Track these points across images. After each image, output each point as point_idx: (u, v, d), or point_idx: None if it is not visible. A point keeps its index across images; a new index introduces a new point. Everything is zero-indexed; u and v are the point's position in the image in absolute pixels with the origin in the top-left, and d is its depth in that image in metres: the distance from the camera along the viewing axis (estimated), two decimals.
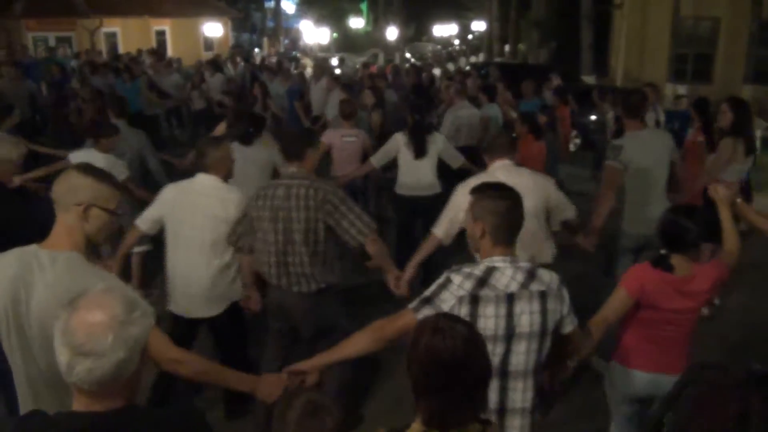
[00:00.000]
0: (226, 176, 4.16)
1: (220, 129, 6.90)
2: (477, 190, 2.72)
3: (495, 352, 2.50)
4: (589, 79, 19.47)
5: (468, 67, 19.80)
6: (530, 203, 3.39)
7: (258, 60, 23.55)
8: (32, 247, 2.42)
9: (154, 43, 28.87)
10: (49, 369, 2.25)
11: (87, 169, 2.49)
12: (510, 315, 2.52)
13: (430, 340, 1.87)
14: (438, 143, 6.41)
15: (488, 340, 2.36)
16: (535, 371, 2.61)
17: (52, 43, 26.46)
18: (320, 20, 45.57)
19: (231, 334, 4.34)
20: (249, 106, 10.49)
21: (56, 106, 12.40)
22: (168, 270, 4.21)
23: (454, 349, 1.84)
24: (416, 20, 51.96)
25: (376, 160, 6.47)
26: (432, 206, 5.71)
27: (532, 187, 4.06)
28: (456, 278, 2.54)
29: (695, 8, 19.11)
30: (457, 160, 6.46)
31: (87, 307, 1.68)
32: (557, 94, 9.77)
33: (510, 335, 2.53)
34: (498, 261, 2.58)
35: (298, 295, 3.89)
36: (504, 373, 2.56)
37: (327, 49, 42.41)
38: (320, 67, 14.32)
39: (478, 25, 42.83)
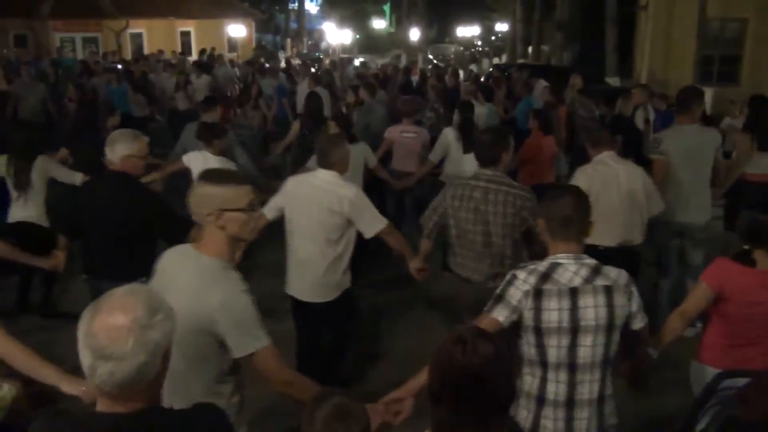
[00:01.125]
0: (344, 172, 4.33)
1: (294, 128, 7.59)
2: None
3: (561, 345, 2.62)
4: (613, 81, 19.32)
5: (491, 69, 19.74)
6: (635, 186, 4.73)
7: (283, 61, 23.66)
8: (187, 246, 2.61)
9: (179, 44, 29.16)
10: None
11: (208, 176, 2.55)
12: (574, 308, 2.61)
13: (450, 348, 1.83)
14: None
15: (552, 333, 2.59)
16: (603, 364, 2.67)
17: (78, 43, 26.82)
18: (343, 21, 45.65)
19: (339, 322, 4.57)
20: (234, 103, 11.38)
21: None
22: (288, 255, 4.40)
23: (470, 365, 1.78)
24: (439, 21, 51.93)
25: (434, 156, 6.98)
26: None
27: (632, 173, 4.83)
28: (521, 274, 2.69)
29: (722, 9, 18.85)
30: None
31: (109, 310, 1.68)
32: (553, 94, 10.12)
33: (575, 328, 2.62)
34: (562, 257, 2.70)
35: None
36: (572, 366, 2.64)
37: (350, 50, 42.47)
38: (306, 66, 14.56)
39: (502, 27, 42.70)
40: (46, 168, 5.73)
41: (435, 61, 31.09)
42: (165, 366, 1.77)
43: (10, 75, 13.54)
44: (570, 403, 2.67)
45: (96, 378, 1.65)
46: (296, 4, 48.44)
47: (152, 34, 29.24)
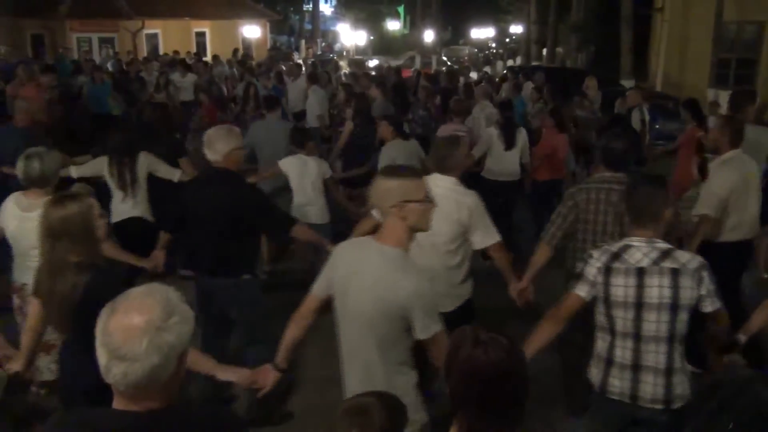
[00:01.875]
0: (458, 175, 4.14)
1: (348, 128, 7.84)
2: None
3: (627, 317, 2.94)
4: (628, 84, 19.22)
5: (505, 71, 19.71)
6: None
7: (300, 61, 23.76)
8: (367, 238, 2.80)
9: (194, 45, 29.32)
10: (351, 342, 2.72)
11: (389, 171, 2.76)
12: (640, 286, 2.91)
13: (471, 351, 1.83)
14: (523, 138, 7.44)
15: (619, 306, 2.94)
16: (669, 339, 2.92)
17: (95, 44, 27.03)
18: (357, 23, 45.75)
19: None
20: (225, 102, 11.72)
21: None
22: None
23: (496, 362, 1.81)
24: (453, 23, 51.91)
25: (477, 152, 7.30)
26: (512, 190, 7.52)
27: (756, 170, 5.02)
28: (596, 253, 3.04)
29: (739, 12, 18.72)
30: (526, 156, 7.48)
31: (125, 310, 1.68)
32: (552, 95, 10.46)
33: (639, 304, 2.91)
34: (635, 240, 2.99)
35: None
36: (636, 336, 2.94)
37: (364, 52, 42.53)
38: (296, 66, 14.88)
39: (516, 29, 42.60)
40: (148, 164, 5.66)
41: (449, 63, 31.05)
42: (181, 368, 1.76)
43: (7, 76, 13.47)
44: (636, 368, 2.96)
45: (110, 377, 1.66)
46: (311, 6, 48.57)
47: (167, 35, 29.41)
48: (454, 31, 53.54)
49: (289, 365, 2.99)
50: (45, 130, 6.95)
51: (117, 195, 5.60)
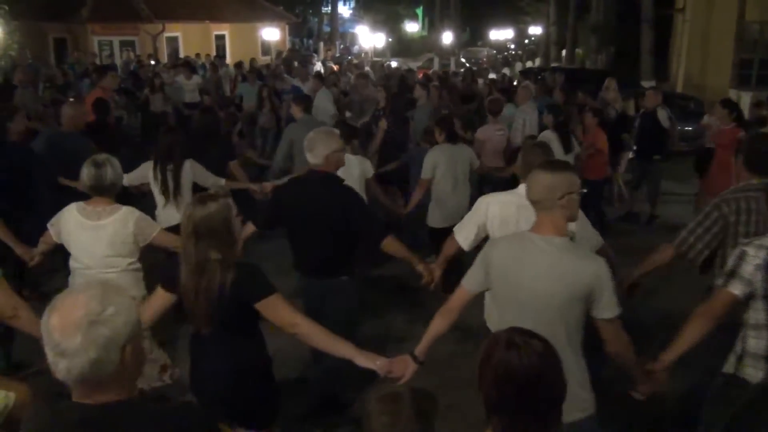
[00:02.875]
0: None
1: (382, 127, 8.00)
2: None
3: None
4: (648, 85, 19.05)
5: (520, 71, 19.63)
6: None
7: (319, 64, 23.81)
8: (525, 232, 2.91)
9: (213, 48, 29.50)
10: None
11: (550, 166, 2.89)
12: None
13: (504, 355, 1.83)
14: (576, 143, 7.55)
15: None
16: None
17: (116, 47, 27.29)
18: (376, 25, 45.78)
19: None
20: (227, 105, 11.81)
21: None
22: None
23: (530, 366, 1.81)
24: (472, 25, 51.78)
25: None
26: None
27: None
28: (750, 250, 2.96)
29: (761, 12, 18.50)
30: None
31: (61, 307, 1.70)
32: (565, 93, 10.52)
33: None
34: None
35: None
36: None
37: (382, 54, 42.56)
38: (303, 68, 15.42)
39: (535, 30, 42.39)
40: (194, 172, 5.62)
41: (467, 65, 30.97)
42: (129, 360, 1.75)
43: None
44: None
45: (58, 373, 1.69)
46: (329, 8, 48.71)
47: (188, 38, 29.63)
48: (472, 33, 53.38)
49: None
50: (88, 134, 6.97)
51: (159, 200, 5.55)
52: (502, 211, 3.85)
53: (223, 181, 5.83)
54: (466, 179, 6.62)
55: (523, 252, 2.82)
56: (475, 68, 22.00)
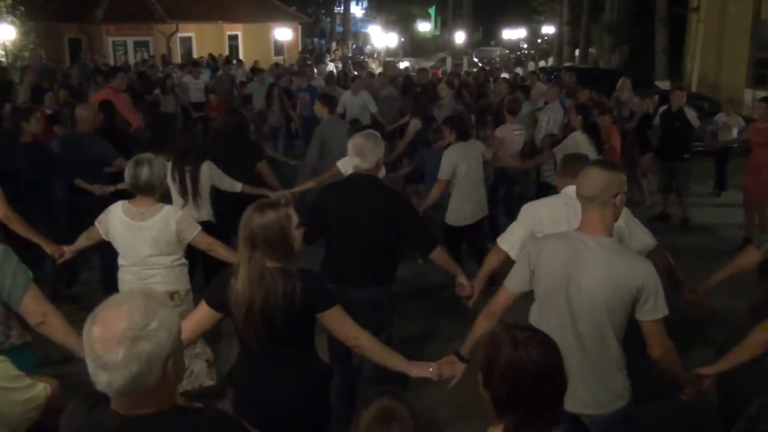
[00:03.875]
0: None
1: (413, 126, 8.14)
2: None
3: None
4: (662, 85, 18.96)
5: (534, 71, 19.57)
6: None
7: (331, 64, 23.88)
8: (572, 232, 2.90)
9: (226, 48, 29.61)
10: (585, 334, 2.79)
11: (606, 165, 2.92)
12: None
13: (512, 354, 1.85)
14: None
15: None
16: None
17: (130, 47, 27.46)
18: (388, 25, 45.77)
19: None
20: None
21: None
22: None
23: (539, 361, 1.84)
24: (484, 24, 51.67)
25: (558, 152, 6.82)
26: None
27: None
28: None
29: None
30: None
31: (103, 319, 1.67)
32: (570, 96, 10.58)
33: None
34: None
35: None
36: None
37: (395, 54, 42.55)
38: (310, 66, 15.50)
39: (548, 29, 42.26)
40: (211, 175, 5.57)
41: (480, 64, 30.91)
42: (170, 373, 1.74)
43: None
44: None
45: (98, 385, 1.67)
46: (342, 8, 48.77)
47: (201, 38, 29.74)
48: (485, 32, 53.27)
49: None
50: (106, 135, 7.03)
51: (178, 202, 5.47)
52: (550, 212, 3.87)
53: (239, 186, 5.73)
54: (482, 176, 6.66)
55: (572, 252, 2.81)
56: (487, 68, 21.97)
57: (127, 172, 4.09)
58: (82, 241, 4.48)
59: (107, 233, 4.22)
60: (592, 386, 2.83)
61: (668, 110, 9.39)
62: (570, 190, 3.75)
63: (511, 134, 8.07)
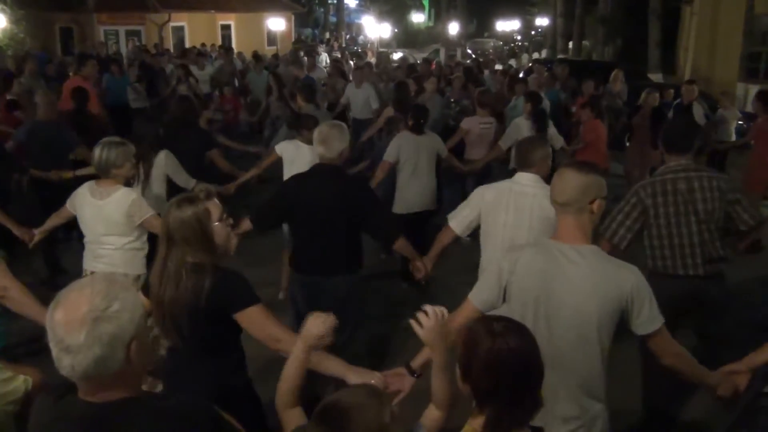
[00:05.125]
0: (545, 174, 4.00)
1: (386, 113, 8.08)
2: None
3: None
4: (655, 78, 18.99)
5: (530, 63, 19.58)
6: None
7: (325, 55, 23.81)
8: (549, 242, 2.65)
9: (219, 38, 29.46)
10: (561, 349, 2.51)
11: (582, 167, 2.66)
12: None
13: (492, 345, 1.86)
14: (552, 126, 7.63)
15: None
16: None
17: (122, 36, 27.30)
18: (382, 15, 45.61)
19: None
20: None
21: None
22: (485, 268, 3.98)
23: (518, 350, 1.86)
24: (478, 16, 51.56)
25: (504, 144, 7.43)
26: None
27: None
28: None
29: None
30: (559, 142, 7.61)
31: (65, 303, 1.67)
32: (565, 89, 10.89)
33: None
34: None
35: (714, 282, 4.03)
36: None
37: (388, 45, 42.44)
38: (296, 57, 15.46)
39: (542, 21, 42.22)
40: (166, 164, 5.51)
41: (474, 56, 30.87)
42: (134, 357, 1.72)
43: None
44: None
45: (62, 370, 1.66)
46: None
47: (193, 28, 29.59)
48: (479, 24, 53.19)
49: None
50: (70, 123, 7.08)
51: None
52: (495, 196, 3.92)
53: (193, 182, 5.56)
54: (430, 169, 6.59)
55: (550, 265, 2.57)
56: (481, 59, 21.94)
57: (93, 154, 4.26)
58: (53, 220, 4.66)
59: (74, 208, 4.38)
60: (565, 410, 2.58)
61: (680, 104, 9.42)
62: (520, 176, 3.93)
63: (477, 126, 7.96)
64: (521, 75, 15.28)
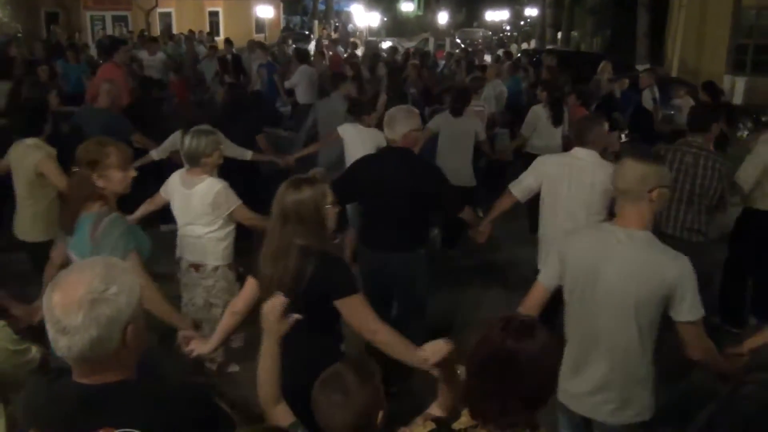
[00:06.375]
0: (603, 151, 4.42)
1: (382, 101, 8.12)
2: None
3: None
4: (643, 68, 19.05)
5: (519, 54, 19.60)
6: None
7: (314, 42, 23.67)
8: (605, 224, 2.89)
9: (207, 24, 29.24)
10: (603, 325, 2.72)
11: (643, 157, 2.82)
12: None
13: (500, 342, 1.82)
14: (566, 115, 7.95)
15: None
16: None
17: (108, 22, 27.02)
18: (371, 3, 45.41)
19: None
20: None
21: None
22: (542, 232, 4.52)
23: (529, 350, 1.79)
24: (468, 5, 51.48)
25: (526, 132, 7.84)
26: None
27: None
28: None
29: None
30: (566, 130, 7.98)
31: (63, 285, 1.69)
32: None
33: None
34: None
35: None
36: None
37: (377, 33, 42.29)
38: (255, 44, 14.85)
39: (531, 12, 42.23)
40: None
41: (462, 45, 30.80)
42: (130, 340, 1.74)
43: None
44: None
45: (58, 351, 1.68)
46: None
47: (181, 14, 29.34)
48: (468, 13, 53.06)
49: None
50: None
51: None
52: (555, 170, 4.33)
53: (249, 154, 6.08)
54: (466, 148, 7.00)
55: (600, 244, 2.74)
56: (470, 49, 21.93)
57: (182, 142, 4.30)
58: (146, 207, 4.59)
59: (167, 195, 4.40)
60: (609, 391, 2.77)
61: (636, 89, 10.10)
62: (578, 151, 4.30)
63: (470, 109, 8.18)
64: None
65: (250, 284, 3.00)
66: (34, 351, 2.63)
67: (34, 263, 4.53)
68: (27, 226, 4.80)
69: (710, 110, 4.97)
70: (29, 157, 4.69)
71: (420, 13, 53.86)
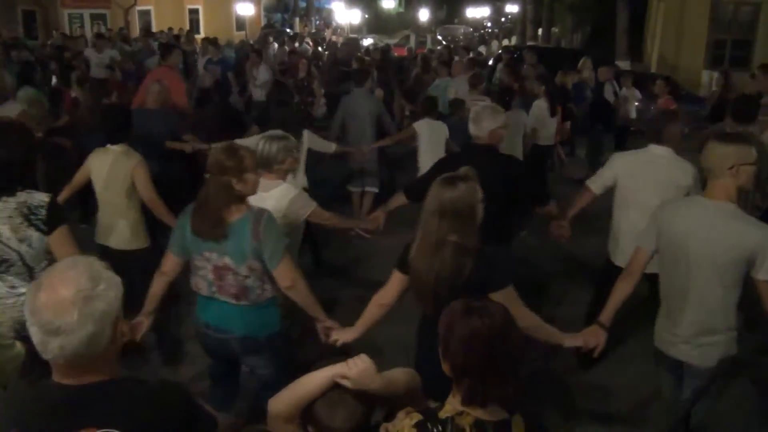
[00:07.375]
0: (677, 149, 4.45)
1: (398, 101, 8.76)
2: None
3: None
4: (623, 65, 19.16)
5: (500, 51, 19.65)
6: None
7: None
8: (697, 197, 3.31)
9: (187, 22, 29.02)
10: (692, 283, 3.11)
11: (724, 137, 3.11)
12: None
13: (466, 321, 1.94)
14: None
15: None
16: None
17: (87, 20, 26.74)
18: (352, 1, 45.33)
19: None
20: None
21: None
22: (616, 227, 4.63)
23: (492, 325, 1.91)
24: (449, 2, 51.53)
25: (538, 124, 8.32)
26: (552, 151, 9.35)
27: None
28: None
29: None
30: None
31: (50, 285, 1.68)
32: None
33: None
34: None
35: None
36: None
37: (358, 30, 42.22)
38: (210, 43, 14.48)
39: (512, 8, 42.36)
40: (310, 140, 6.05)
41: (444, 42, 30.84)
42: (116, 336, 1.76)
43: None
44: None
45: (48, 353, 1.66)
46: None
47: (160, 12, 29.07)
48: (449, 10, 53.11)
49: None
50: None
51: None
52: (631, 166, 4.48)
53: (333, 146, 6.46)
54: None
55: (691, 213, 3.12)
56: (452, 46, 21.96)
57: (257, 147, 4.17)
58: None
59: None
60: (697, 338, 3.14)
61: (596, 83, 10.85)
62: (653, 148, 4.40)
63: (471, 105, 8.32)
64: (490, 62, 15.36)
65: (398, 278, 3.15)
66: (20, 347, 2.66)
67: (131, 274, 4.32)
68: (128, 234, 4.64)
69: (751, 101, 5.37)
70: (125, 164, 4.55)
71: (401, 10, 53.86)
